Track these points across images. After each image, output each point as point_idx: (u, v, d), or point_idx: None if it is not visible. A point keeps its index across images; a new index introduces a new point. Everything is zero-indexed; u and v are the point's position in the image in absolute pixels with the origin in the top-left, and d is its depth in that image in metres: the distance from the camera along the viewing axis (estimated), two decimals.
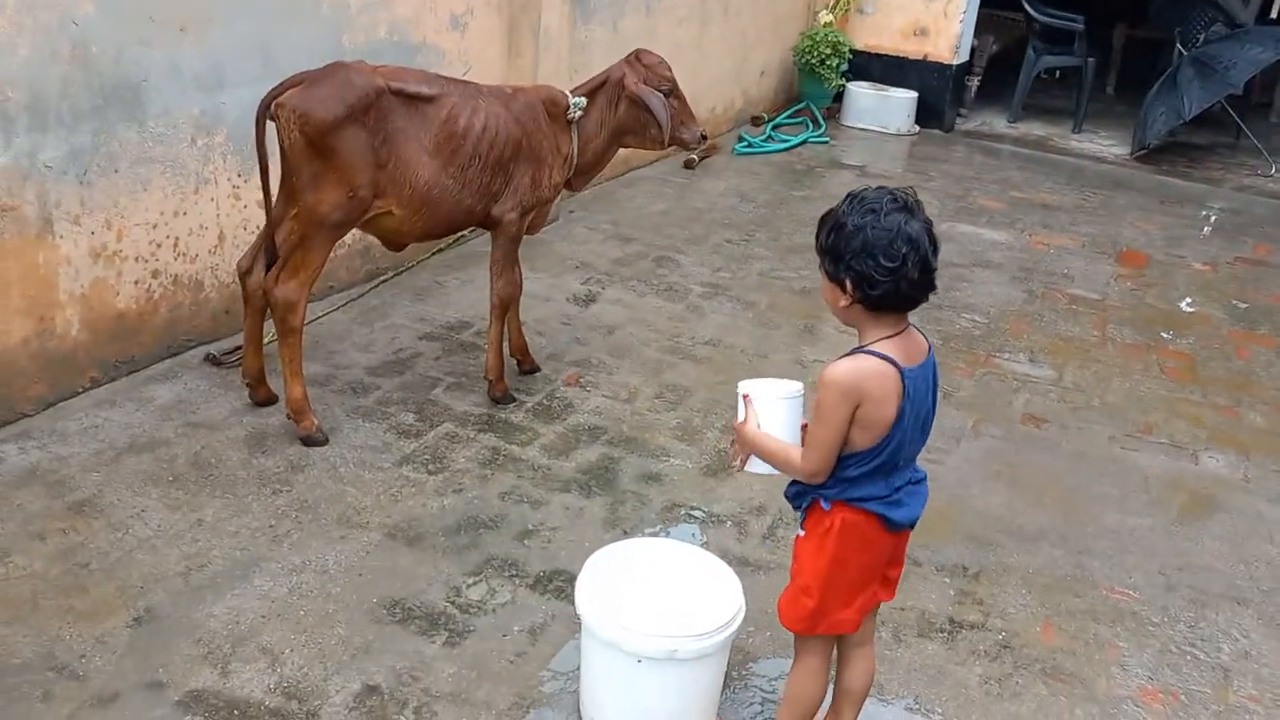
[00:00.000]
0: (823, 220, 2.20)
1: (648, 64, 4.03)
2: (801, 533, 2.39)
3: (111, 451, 3.59)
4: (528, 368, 4.36)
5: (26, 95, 3.47)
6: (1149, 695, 2.98)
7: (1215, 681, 3.06)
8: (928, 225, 2.12)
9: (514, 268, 4.04)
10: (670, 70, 4.07)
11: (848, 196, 2.17)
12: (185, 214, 4.12)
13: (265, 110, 3.47)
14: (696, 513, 3.60)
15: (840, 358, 2.20)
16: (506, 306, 4.07)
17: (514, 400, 4.13)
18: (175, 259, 4.13)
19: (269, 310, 3.68)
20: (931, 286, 2.14)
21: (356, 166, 3.47)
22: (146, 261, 4.02)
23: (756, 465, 2.38)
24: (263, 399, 3.91)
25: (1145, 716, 2.90)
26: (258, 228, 4.42)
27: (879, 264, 2.07)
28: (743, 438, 2.36)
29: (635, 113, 4.00)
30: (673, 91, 4.05)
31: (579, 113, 3.99)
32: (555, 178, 4.00)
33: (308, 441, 3.71)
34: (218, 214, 4.24)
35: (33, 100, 3.49)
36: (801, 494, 2.36)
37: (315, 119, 3.38)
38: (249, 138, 4.23)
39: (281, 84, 3.47)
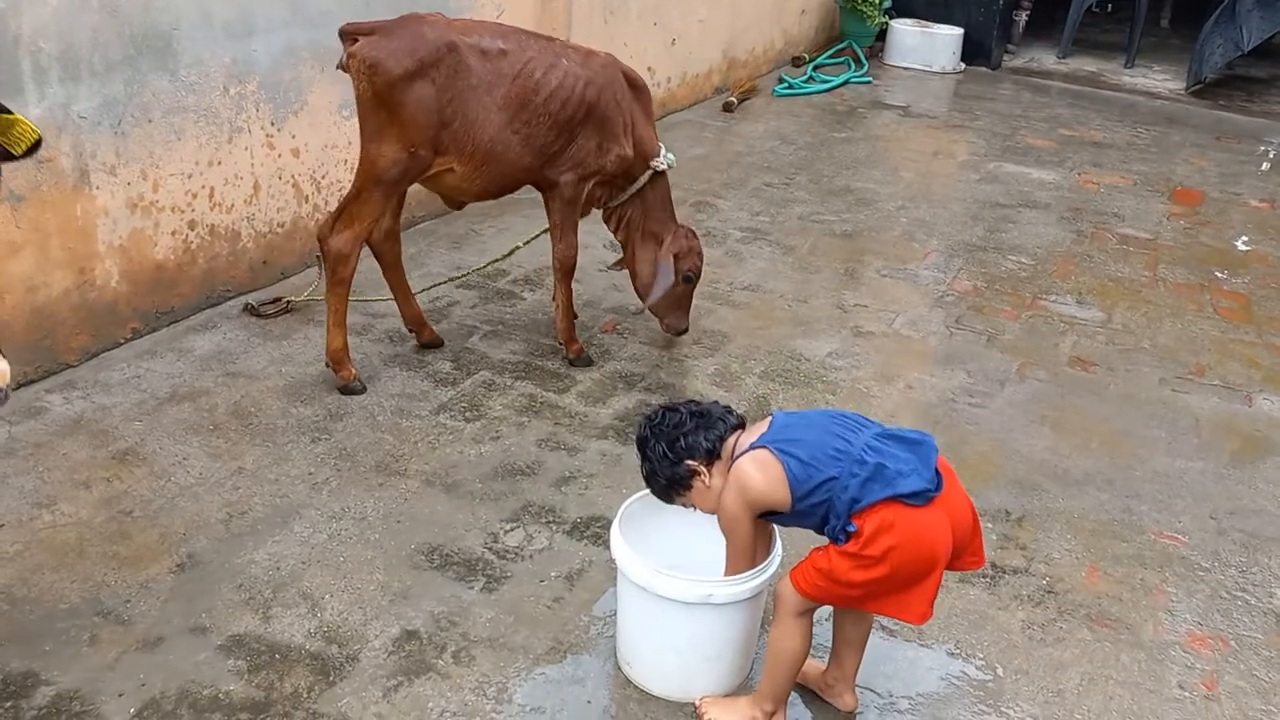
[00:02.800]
0: (651, 463, 2.48)
1: (691, 247, 4.02)
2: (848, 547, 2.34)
3: (153, 401, 3.62)
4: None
5: (58, 46, 3.46)
6: (1197, 641, 2.92)
7: (1267, 627, 2.99)
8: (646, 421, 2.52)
9: (573, 231, 3.95)
10: (702, 263, 4.10)
11: (644, 435, 2.50)
12: (220, 164, 4.11)
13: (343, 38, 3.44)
14: None
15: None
16: (569, 270, 3.98)
17: (592, 362, 4.07)
18: (211, 209, 4.13)
19: (322, 257, 3.66)
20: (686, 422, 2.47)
21: (420, 124, 3.42)
22: (183, 212, 4.03)
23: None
24: (428, 340, 4.03)
25: (1193, 662, 2.85)
26: (293, 177, 4.43)
27: (685, 443, 2.43)
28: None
29: (654, 256, 4.01)
30: (694, 280, 4.07)
31: (664, 165, 3.95)
32: (625, 150, 3.85)
33: (346, 390, 3.72)
34: (252, 163, 4.23)
35: (64, 51, 3.48)
36: (832, 528, 2.33)
37: (384, 70, 3.34)
38: (281, 85, 4.24)
39: (356, 28, 3.42)
